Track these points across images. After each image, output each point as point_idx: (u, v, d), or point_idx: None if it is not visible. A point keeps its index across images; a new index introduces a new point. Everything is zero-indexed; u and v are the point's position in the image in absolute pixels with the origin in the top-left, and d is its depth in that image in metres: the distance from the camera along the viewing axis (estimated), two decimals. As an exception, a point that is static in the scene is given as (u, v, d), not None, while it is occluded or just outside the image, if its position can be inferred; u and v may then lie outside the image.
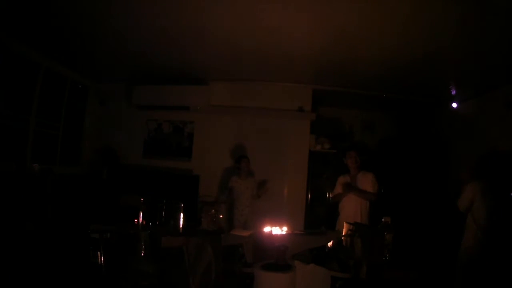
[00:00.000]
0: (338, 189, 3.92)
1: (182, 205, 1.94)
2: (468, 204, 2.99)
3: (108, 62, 4.65)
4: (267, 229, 2.14)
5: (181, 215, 1.93)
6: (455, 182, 3.28)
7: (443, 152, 5.03)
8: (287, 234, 2.12)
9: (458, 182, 3.20)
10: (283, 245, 1.32)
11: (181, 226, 1.93)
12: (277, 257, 1.29)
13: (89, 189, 4.50)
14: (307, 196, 5.11)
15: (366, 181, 3.74)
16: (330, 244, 2.14)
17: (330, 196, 4.72)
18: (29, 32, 3.67)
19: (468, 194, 3.00)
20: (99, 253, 1.75)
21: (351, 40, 3.40)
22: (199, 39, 3.62)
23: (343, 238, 2.20)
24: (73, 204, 3.99)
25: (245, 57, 4.13)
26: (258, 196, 4.53)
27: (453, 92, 4.59)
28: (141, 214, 1.83)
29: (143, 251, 1.56)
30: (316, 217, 4.98)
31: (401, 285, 1.66)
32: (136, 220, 1.89)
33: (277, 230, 2.14)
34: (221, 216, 3.45)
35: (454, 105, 4.83)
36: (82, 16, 3.25)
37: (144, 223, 1.83)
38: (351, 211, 3.71)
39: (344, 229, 2.34)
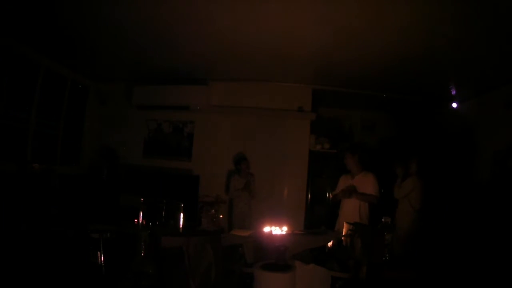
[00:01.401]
0: (339, 189, 3.92)
1: (182, 205, 1.94)
2: (406, 194, 3.94)
3: (108, 62, 4.65)
4: (267, 229, 2.14)
5: (181, 215, 1.93)
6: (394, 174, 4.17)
7: (443, 152, 5.03)
8: (287, 234, 2.12)
9: (394, 174, 4.13)
10: (283, 245, 1.32)
11: (181, 226, 1.93)
12: (277, 257, 1.29)
13: (89, 189, 4.50)
14: (307, 196, 5.11)
15: (367, 182, 3.73)
16: (330, 244, 2.14)
17: (330, 196, 4.72)
18: (29, 32, 3.67)
19: (408, 186, 3.94)
20: (99, 253, 1.75)
21: (351, 40, 3.40)
22: (199, 39, 3.62)
23: (343, 238, 2.20)
24: (73, 204, 3.99)
25: (245, 57, 4.13)
26: (251, 193, 4.60)
27: (453, 92, 4.59)
28: (141, 214, 1.83)
29: (143, 251, 1.56)
30: (316, 217, 4.98)
31: (401, 285, 1.66)
32: (136, 220, 1.89)
33: (277, 230, 2.14)
34: (221, 216, 3.46)
35: (454, 105, 4.83)
36: (82, 16, 3.25)
37: (144, 223, 1.83)
38: (350, 211, 3.71)
39: (344, 229, 2.34)
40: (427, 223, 3.92)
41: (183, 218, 1.94)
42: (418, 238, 3.76)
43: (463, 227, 3.92)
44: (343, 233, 2.27)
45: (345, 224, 2.38)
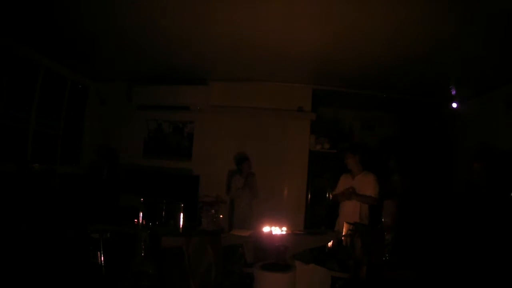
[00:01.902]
0: (339, 188, 3.92)
1: (182, 205, 1.94)
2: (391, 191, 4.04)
3: (108, 62, 4.64)
4: (267, 229, 2.14)
5: (181, 215, 1.94)
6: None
7: (443, 152, 5.03)
8: (287, 234, 2.12)
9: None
10: (283, 245, 1.32)
11: (181, 226, 1.93)
12: (277, 257, 1.30)
13: (89, 189, 4.50)
14: (307, 196, 5.11)
15: (367, 183, 3.73)
16: (330, 244, 2.14)
17: (330, 196, 4.72)
18: (29, 32, 3.67)
19: (391, 184, 4.17)
20: (99, 253, 1.76)
21: (351, 40, 3.39)
22: (199, 39, 3.62)
23: (343, 238, 2.20)
24: (73, 204, 3.99)
25: (245, 57, 4.12)
26: (253, 193, 4.59)
27: (453, 92, 4.59)
28: (141, 214, 1.83)
29: (143, 251, 1.56)
30: (316, 217, 4.98)
31: (401, 285, 1.66)
32: (136, 220, 1.89)
33: (277, 230, 2.14)
34: (221, 216, 3.46)
35: (454, 105, 4.83)
36: (82, 16, 3.25)
37: (144, 223, 1.83)
38: (350, 211, 3.70)
39: (344, 229, 2.34)
40: (411, 220, 4.06)
41: (183, 218, 1.94)
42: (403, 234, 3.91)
43: (450, 225, 3.97)
44: (343, 233, 2.28)
45: (345, 224, 2.38)
